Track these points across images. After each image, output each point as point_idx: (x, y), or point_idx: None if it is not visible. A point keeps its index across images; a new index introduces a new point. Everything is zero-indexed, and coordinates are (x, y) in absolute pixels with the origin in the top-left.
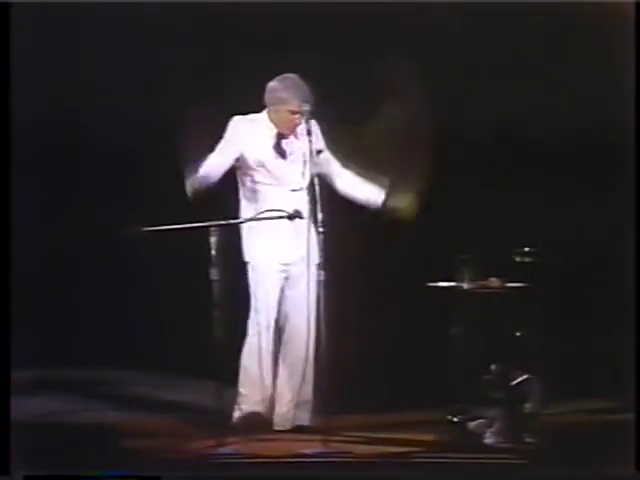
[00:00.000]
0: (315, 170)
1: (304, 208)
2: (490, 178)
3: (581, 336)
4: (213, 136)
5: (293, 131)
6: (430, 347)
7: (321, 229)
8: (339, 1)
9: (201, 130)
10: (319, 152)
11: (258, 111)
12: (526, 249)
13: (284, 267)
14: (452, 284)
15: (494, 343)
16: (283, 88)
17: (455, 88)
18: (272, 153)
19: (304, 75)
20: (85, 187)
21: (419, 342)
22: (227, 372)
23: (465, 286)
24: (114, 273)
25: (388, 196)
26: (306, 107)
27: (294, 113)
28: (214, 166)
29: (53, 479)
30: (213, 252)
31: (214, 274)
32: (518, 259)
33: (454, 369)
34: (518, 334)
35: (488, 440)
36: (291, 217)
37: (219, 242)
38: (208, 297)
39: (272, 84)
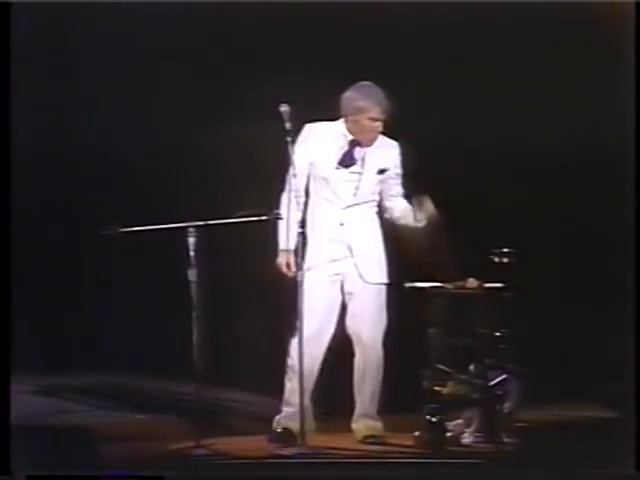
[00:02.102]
0: (373, 187)
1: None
2: (478, 178)
3: (572, 335)
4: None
5: (373, 140)
6: (408, 347)
7: None
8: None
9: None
10: (382, 171)
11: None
12: (505, 249)
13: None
14: (430, 284)
15: (473, 343)
16: (361, 96)
17: (452, 88)
18: (341, 161)
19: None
20: (85, 188)
21: (397, 342)
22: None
23: (443, 286)
24: (103, 274)
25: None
26: (384, 114)
27: (375, 121)
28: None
29: (54, 479)
30: (192, 253)
31: (192, 275)
32: (497, 259)
33: (432, 369)
34: (497, 334)
35: (466, 440)
36: (270, 219)
37: (199, 243)
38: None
39: (348, 94)
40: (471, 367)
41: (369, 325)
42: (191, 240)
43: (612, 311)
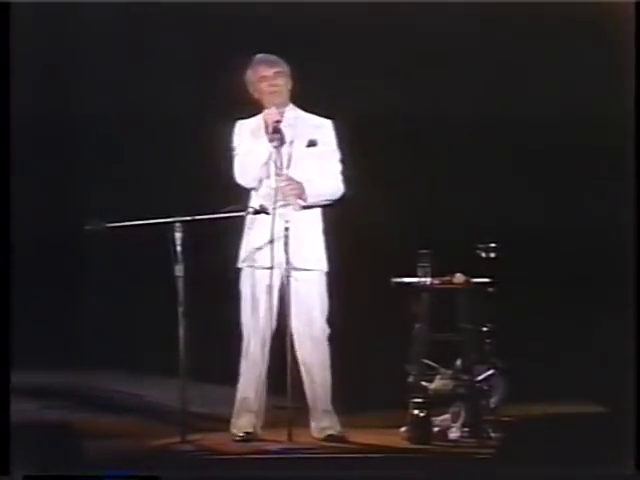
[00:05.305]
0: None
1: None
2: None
3: (570, 334)
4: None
5: (272, 102)
6: (395, 342)
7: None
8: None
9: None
10: (311, 144)
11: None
12: (492, 244)
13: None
14: (417, 280)
15: (459, 338)
16: (252, 63)
17: (451, 84)
18: (273, 144)
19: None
20: (84, 186)
21: (384, 337)
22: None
23: (430, 281)
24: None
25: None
26: (278, 69)
27: (264, 79)
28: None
29: (53, 479)
30: (179, 248)
31: (179, 270)
32: (484, 254)
33: (419, 364)
34: (484, 329)
35: (453, 435)
36: (256, 212)
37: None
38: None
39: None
40: (457, 362)
41: (307, 313)
42: (177, 235)
43: (608, 305)
